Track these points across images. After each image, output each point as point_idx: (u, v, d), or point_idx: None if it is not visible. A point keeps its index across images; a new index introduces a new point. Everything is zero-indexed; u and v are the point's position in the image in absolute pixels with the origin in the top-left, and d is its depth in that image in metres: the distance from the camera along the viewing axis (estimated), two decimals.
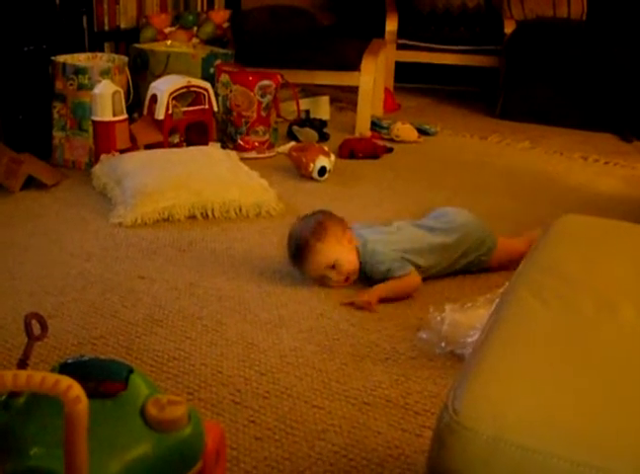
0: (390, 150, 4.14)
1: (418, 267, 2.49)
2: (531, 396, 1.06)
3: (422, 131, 4.53)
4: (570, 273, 1.45)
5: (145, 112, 3.73)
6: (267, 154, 3.96)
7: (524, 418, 1.02)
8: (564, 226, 1.72)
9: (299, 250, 2.49)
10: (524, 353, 1.18)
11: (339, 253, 2.46)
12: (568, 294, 1.35)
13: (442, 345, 2.12)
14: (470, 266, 2.63)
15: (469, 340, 2.04)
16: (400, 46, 5.43)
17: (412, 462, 1.70)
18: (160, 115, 3.59)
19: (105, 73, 3.60)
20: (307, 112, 4.59)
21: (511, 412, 1.03)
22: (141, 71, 4.18)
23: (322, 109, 4.76)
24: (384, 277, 2.47)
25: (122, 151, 3.43)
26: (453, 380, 1.13)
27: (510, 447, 0.99)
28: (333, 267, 2.47)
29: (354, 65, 4.40)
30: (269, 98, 3.91)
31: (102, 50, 4.27)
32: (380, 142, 4.22)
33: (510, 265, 2.58)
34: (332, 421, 1.82)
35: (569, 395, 1.07)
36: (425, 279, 2.52)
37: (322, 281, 2.50)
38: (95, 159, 3.47)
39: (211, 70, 4.14)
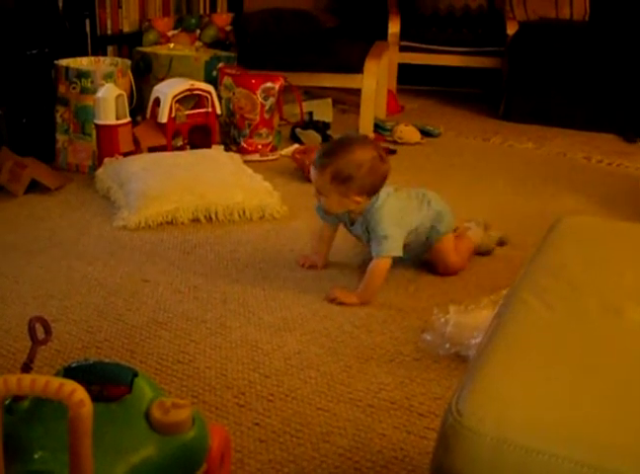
0: (393, 152, 4.14)
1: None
2: (535, 398, 1.06)
3: (425, 133, 4.53)
4: (574, 274, 1.45)
5: (148, 115, 3.73)
6: (270, 157, 3.96)
7: (529, 419, 1.02)
8: (567, 227, 1.72)
9: (324, 154, 2.45)
10: (528, 355, 1.18)
11: (332, 194, 2.44)
12: (572, 296, 1.35)
13: (447, 346, 2.12)
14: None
15: (473, 341, 2.04)
16: (403, 48, 5.44)
17: (417, 464, 1.70)
18: (163, 118, 3.59)
19: (108, 77, 3.60)
20: (310, 114, 4.59)
21: (515, 413, 1.03)
22: (144, 74, 4.19)
23: (325, 111, 4.76)
24: (371, 239, 2.47)
25: (126, 154, 3.44)
26: (458, 382, 1.13)
27: (514, 449, 0.98)
28: (319, 191, 2.47)
29: (356, 68, 4.40)
30: (272, 100, 3.92)
31: (105, 54, 4.28)
32: (383, 144, 4.21)
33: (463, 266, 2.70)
34: (336, 423, 1.82)
35: (573, 397, 1.07)
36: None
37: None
38: (98, 162, 3.47)
39: (214, 73, 4.15)
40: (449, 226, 2.64)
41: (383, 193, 2.48)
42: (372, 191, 2.44)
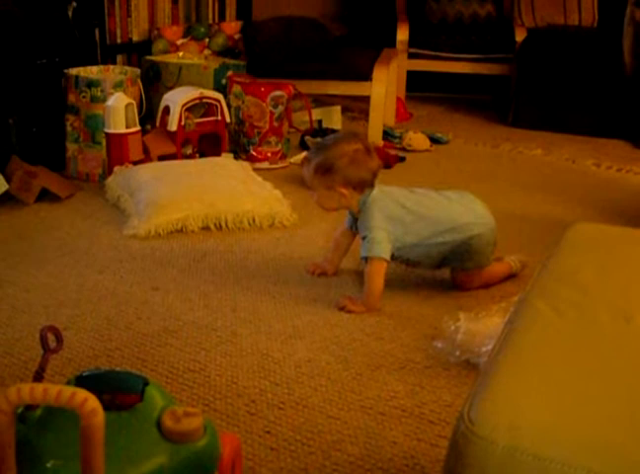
0: (403, 159, 4.15)
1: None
2: (547, 405, 1.06)
3: (434, 140, 4.53)
4: (584, 281, 1.45)
5: (158, 123, 3.74)
6: (279, 165, 3.97)
7: (540, 427, 1.01)
8: (578, 234, 1.72)
9: (311, 151, 2.58)
10: (540, 362, 1.17)
11: (319, 189, 2.49)
12: (583, 303, 1.35)
13: (457, 354, 2.12)
14: (452, 255, 2.54)
15: (484, 349, 2.04)
16: (411, 55, 5.45)
17: (428, 472, 1.70)
18: (173, 126, 3.60)
19: (117, 85, 3.61)
20: (319, 122, 4.60)
21: (526, 421, 1.02)
22: (154, 83, 4.20)
23: (334, 119, 4.77)
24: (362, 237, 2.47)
25: (136, 163, 3.45)
26: (469, 390, 1.13)
27: (526, 457, 0.98)
28: (309, 189, 2.55)
29: (365, 75, 4.41)
30: (281, 108, 3.92)
31: (114, 63, 4.30)
32: (393, 151, 4.22)
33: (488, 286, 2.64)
34: (347, 431, 1.82)
35: (585, 404, 1.07)
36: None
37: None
38: (108, 171, 3.48)
39: (223, 81, 4.16)
40: (485, 261, 2.58)
41: (378, 191, 2.48)
42: (360, 184, 2.45)
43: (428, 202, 2.53)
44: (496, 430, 1.01)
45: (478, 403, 1.07)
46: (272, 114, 3.89)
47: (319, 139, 4.15)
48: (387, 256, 2.44)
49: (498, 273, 2.67)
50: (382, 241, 2.43)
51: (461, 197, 2.58)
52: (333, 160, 2.44)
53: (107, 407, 1.13)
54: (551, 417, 1.04)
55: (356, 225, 2.55)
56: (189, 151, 3.72)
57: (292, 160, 3.98)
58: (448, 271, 2.64)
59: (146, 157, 3.53)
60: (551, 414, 1.04)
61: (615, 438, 1.00)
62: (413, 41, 5.46)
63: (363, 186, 2.46)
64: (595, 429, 1.02)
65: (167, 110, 3.65)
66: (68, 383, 1.27)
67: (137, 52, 4.48)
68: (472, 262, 2.54)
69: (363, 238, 2.46)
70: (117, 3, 4.33)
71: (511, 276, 2.72)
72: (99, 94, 3.58)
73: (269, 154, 3.95)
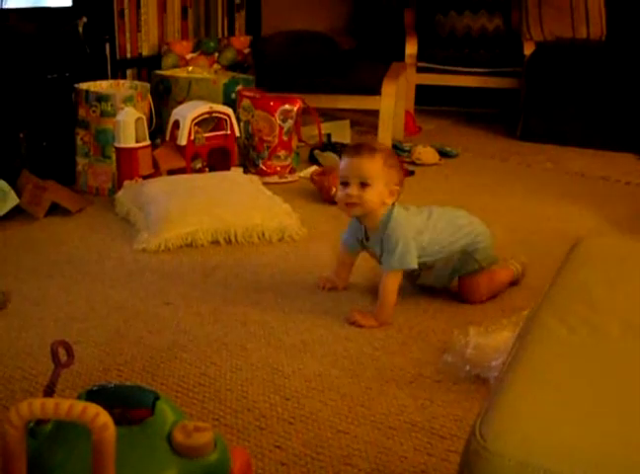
0: (412, 173, 4.15)
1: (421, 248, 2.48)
2: (559, 421, 1.06)
3: (443, 154, 4.54)
4: (595, 296, 1.45)
5: (168, 138, 3.75)
6: (289, 179, 3.98)
7: (552, 443, 1.01)
8: (588, 249, 1.72)
9: (362, 146, 2.46)
10: (551, 377, 1.17)
11: (379, 182, 2.40)
12: (593, 318, 1.35)
13: (467, 368, 2.11)
14: (465, 258, 2.57)
15: (494, 363, 2.04)
16: (420, 69, 5.46)
17: None
18: (182, 140, 3.61)
19: (127, 100, 3.62)
20: (329, 136, 4.61)
21: (538, 437, 1.02)
22: (163, 97, 4.22)
23: (343, 133, 4.78)
24: (384, 252, 2.46)
25: (145, 177, 3.46)
26: (479, 404, 1.13)
27: (537, 472, 0.98)
28: (362, 184, 2.40)
29: (374, 89, 4.42)
30: (290, 122, 3.93)
31: (124, 77, 4.32)
32: (402, 165, 4.22)
33: (493, 297, 2.65)
34: (357, 445, 1.81)
35: (596, 420, 1.06)
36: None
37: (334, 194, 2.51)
38: (118, 185, 3.49)
39: (233, 96, 4.17)
40: (489, 260, 2.60)
41: (398, 205, 2.49)
42: (399, 186, 2.47)
43: (435, 210, 2.60)
44: (507, 445, 1.01)
45: (490, 418, 1.06)
46: (281, 128, 3.91)
47: (329, 153, 4.17)
48: (415, 264, 2.45)
49: (502, 278, 2.69)
50: (413, 251, 2.44)
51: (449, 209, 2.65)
52: (396, 158, 2.45)
53: (118, 421, 1.13)
54: (563, 432, 1.03)
55: (366, 241, 2.55)
56: (198, 165, 3.72)
57: (302, 174, 3.99)
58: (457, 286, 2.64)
59: (156, 171, 3.54)
60: (563, 429, 1.04)
61: (627, 454, 1.00)
62: (421, 55, 5.47)
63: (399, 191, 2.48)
64: (606, 444, 1.01)
65: (177, 124, 3.67)
66: (79, 398, 1.28)
67: (147, 67, 4.50)
68: (477, 263, 2.57)
69: (386, 251, 2.45)
70: (127, 18, 4.36)
71: (514, 283, 2.75)
72: (109, 108, 3.59)
73: (278, 168, 3.96)
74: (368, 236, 2.53)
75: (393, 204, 2.46)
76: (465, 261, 2.57)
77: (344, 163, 2.46)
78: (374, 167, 2.39)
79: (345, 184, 2.43)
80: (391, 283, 2.45)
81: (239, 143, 3.94)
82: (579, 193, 3.95)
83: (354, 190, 2.40)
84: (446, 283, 2.65)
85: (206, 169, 3.73)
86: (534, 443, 1.01)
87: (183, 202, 3.12)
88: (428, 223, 2.53)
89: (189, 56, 4.62)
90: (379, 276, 2.60)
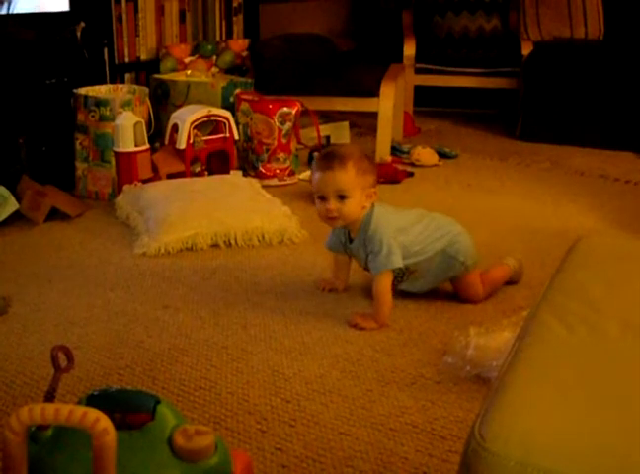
0: (411, 174, 4.15)
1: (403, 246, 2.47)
2: (558, 421, 1.06)
3: (442, 155, 4.54)
4: (594, 296, 1.45)
5: (167, 141, 3.76)
6: (288, 181, 3.98)
7: (552, 442, 1.01)
8: (587, 248, 1.72)
9: (332, 157, 2.40)
10: (550, 378, 1.17)
11: (356, 192, 2.38)
12: (592, 317, 1.35)
13: (468, 369, 2.11)
14: (448, 260, 2.56)
15: (495, 363, 2.04)
16: (418, 71, 5.46)
17: None
18: (181, 144, 3.61)
19: (126, 104, 3.63)
20: (327, 138, 4.61)
21: (538, 437, 1.02)
22: (162, 101, 4.22)
23: (342, 135, 4.79)
24: (369, 255, 2.45)
25: (145, 181, 3.46)
26: (480, 405, 1.13)
27: (537, 472, 0.98)
28: (340, 197, 2.38)
29: (373, 91, 4.42)
30: (289, 125, 3.94)
31: (123, 82, 4.31)
32: (401, 167, 4.23)
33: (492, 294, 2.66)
34: (359, 447, 1.81)
35: (596, 419, 1.06)
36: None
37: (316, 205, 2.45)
38: (118, 190, 3.49)
39: (231, 99, 4.17)
40: (473, 258, 2.59)
41: (377, 206, 2.48)
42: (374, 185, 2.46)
43: (410, 211, 2.61)
44: (507, 445, 1.01)
45: (489, 419, 1.07)
46: (280, 130, 3.91)
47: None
48: (402, 263, 2.45)
49: (498, 275, 2.69)
50: (397, 251, 2.43)
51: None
52: (368, 161, 2.44)
53: (118, 426, 1.13)
54: (562, 432, 1.03)
55: (348, 244, 2.55)
56: (197, 169, 3.73)
57: (301, 176, 3.99)
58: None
59: (155, 175, 3.54)
60: (563, 429, 1.04)
61: (628, 454, 1.00)
62: (420, 57, 5.47)
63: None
64: (606, 444, 1.01)
65: (175, 128, 3.67)
66: (79, 402, 1.27)
67: (146, 71, 4.50)
68: (466, 261, 2.56)
69: (371, 252, 2.45)
70: (124, 22, 4.36)
71: (513, 281, 2.75)
72: (108, 113, 3.60)
73: (277, 171, 3.96)
74: (352, 238, 2.53)
75: (372, 205, 2.47)
76: (449, 263, 2.55)
77: (317, 177, 2.42)
78: (348, 178, 2.37)
79: (322, 197, 2.42)
80: (383, 285, 2.45)
81: (238, 146, 3.95)
82: (578, 192, 3.95)
83: (332, 204, 2.39)
84: (431, 288, 2.63)
85: (206, 172, 3.74)
86: (534, 443, 1.01)
87: (182, 206, 3.12)
88: (406, 222, 2.52)
89: (187, 60, 4.62)
90: None
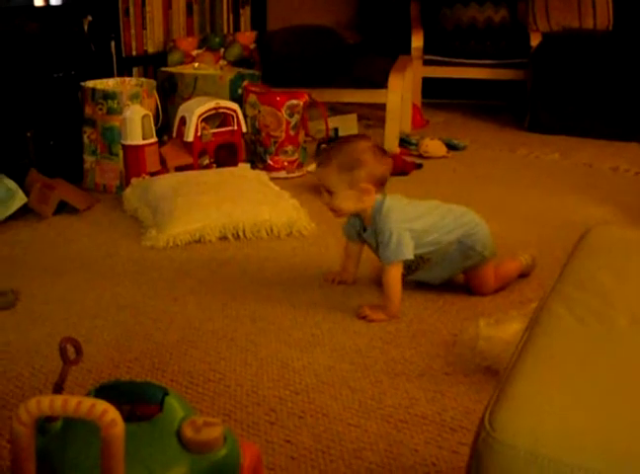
0: (420, 166, 4.14)
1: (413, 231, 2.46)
2: (569, 411, 1.05)
3: (450, 146, 4.53)
4: (604, 286, 1.44)
5: (175, 134, 3.75)
6: (296, 173, 3.97)
7: (563, 433, 1.01)
8: (597, 238, 1.71)
9: (323, 154, 2.57)
10: (560, 368, 1.17)
11: (340, 188, 2.43)
12: (602, 308, 1.34)
13: (477, 360, 2.11)
14: (466, 254, 2.56)
15: (504, 355, 2.03)
16: (426, 62, 5.45)
17: None
18: (189, 137, 3.61)
19: (134, 97, 3.62)
20: (336, 130, 4.60)
21: (548, 427, 1.02)
22: (170, 94, 4.22)
23: (350, 127, 4.77)
24: (379, 245, 2.46)
25: (153, 174, 3.46)
26: (489, 396, 1.12)
27: (548, 462, 0.97)
28: (328, 192, 2.46)
29: (381, 83, 4.41)
30: (297, 117, 3.93)
31: (130, 75, 4.32)
32: (409, 159, 4.22)
33: (503, 288, 2.64)
34: (368, 439, 1.81)
35: (606, 409, 1.06)
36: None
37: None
38: (126, 183, 3.49)
39: (239, 91, 4.17)
40: (491, 249, 2.57)
41: (390, 196, 2.48)
42: (381, 180, 2.44)
43: (425, 202, 2.59)
44: (517, 435, 1.01)
45: (499, 409, 1.06)
46: (288, 123, 3.90)
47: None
48: (412, 255, 2.44)
49: (510, 270, 2.68)
50: (407, 242, 2.42)
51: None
52: (357, 155, 2.42)
53: (127, 418, 1.13)
54: (572, 422, 1.03)
55: (363, 233, 2.55)
56: (205, 162, 3.72)
57: (309, 169, 3.98)
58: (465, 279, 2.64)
59: (163, 168, 3.54)
60: (572, 419, 1.03)
61: (637, 444, 0.99)
62: (428, 48, 5.46)
63: (383, 183, 2.45)
64: (616, 434, 1.01)
65: (183, 120, 3.67)
66: (88, 394, 1.27)
67: (153, 64, 4.50)
68: (483, 252, 2.55)
69: (381, 243, 2.45)
70: (132, 16, 4.36)
71: (523, 275, 2.73)
72: (115, 106, 3.60)
73: (285, 163, 3.96)
74: (365, 227, 2.53)
75: (384, 196, 2.46)
76: (466, 253, 2.55)
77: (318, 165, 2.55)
78: (329, 176, 2.44)
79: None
80: (392, 276, 2.44)
81: (246, 139, 3.94)
82: (587, 183, 3.94)
83: (324, 198, 2.49)
84: (445, 278, 2.63)
85: (214, 165, 3.73)
86: (544, 433, 1.00)
87: (191, 199, 3.12)
88: (421, 212, 2.52)
89: (194, 53, 4.62)
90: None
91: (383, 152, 2.49)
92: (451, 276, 2.63)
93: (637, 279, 1.50)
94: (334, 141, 4.18)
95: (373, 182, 2.42)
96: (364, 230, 2.54)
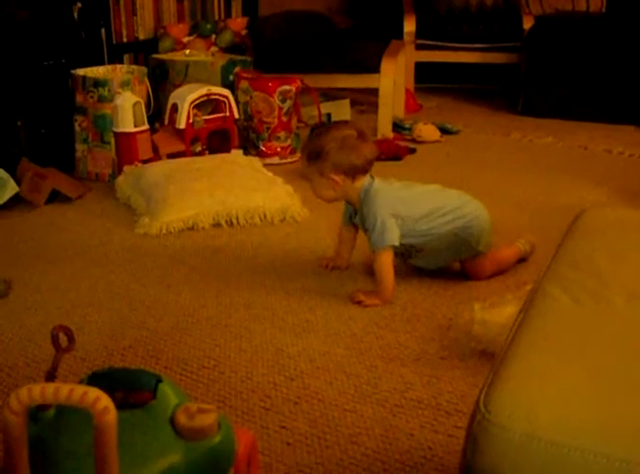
0: (413, 151, 4.13)
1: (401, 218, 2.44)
2: (564, 392, 1.04)
3: (444, 131, 4.52)
4: (599, 266, 1.43)
5: (166, 121, 3.74)
6: (289, 159, 3.96)
7: (558, 414, 1.00)
8: (591, 219, 1.70)
9: (309, 139, 2.68)
10: (556, 349, 1.16)
11: (314, 176, 2.49)
12: (597, 288, 1.33)
13: (473, 344, 2.11)
14: (461, 243, 2.53)
15: (499, 338, 2.02)
16: (419, 47, 5.42)
17: (446, 464, 1.69)
18: (181, 124, 3.59)
19: (125, 85, 3.61)
20: (328, 115, 4.59)
21: (543, 409, 1.01)
22: (161, 81, 4.20)
23: (343, 112, 4.76)
24: (367, 230, 2.46)
25: (145, 162, 3.44)
26: (485, 379, 1.11)
27: (544, 444, 0.97)
28: (307, 179, 2.56)
29: (373, 67, 4.39)
30: (289, 103, 3.91)
31: (121, 62, 4.30)
32: (403, 143, 4.21)
33: (499, 274, 2.63)
34: (364, 424, 1.81)
35: (602, 390, 1.05)
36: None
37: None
38: (118, 170, 3.48)
39: (231, 78, 4.15)
40: (487, 244, 2.56)
41: (379, 181, 2.47)
42: (350, 170, 2.43)
43: (424, 187, 2.58)
44: (512, 418, 1.00)
45: (494, 392, 1.05)
46: (280, 108, 3.89)
47: None
48: (397, 242, 2.43)
49: (508, 257, 2.67)
50: (392, 228, 2.41)
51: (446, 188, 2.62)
52: (322, 146, 2.43)
53: (120, 405, 1.12)
54: (568, 404, 1.02)
55: (355, 217, 2.54)
56: (198, 148, 3.71)
57: None
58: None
59: (155, 155, 3.52)
60: (568, 401, 1.03)
61: (634, 424, 0.99)
62: (420, 33, 5.43)
63: (355, 172, 2.44)
64: (612, 415, 1.00)
65: (175, 107, 3.65)
66: (81, 382, 1.27)
67: (144, 51, 4.48)
68: (477, 247, 2.53)
69: (368, 229, 2.44)
70: (122, 2, 4.33)
71: (522, 260, 2.72)
72: (106, 93, 3.58)
73: (278, 149, 3.94)
74: (357, 211, 2.53)
75: (372, 180, 2.46)
76: (461, 245, 2.53)
77: None
78: (303, 165, 2.55)
79: None
80: (382, 261, 2.43)
81: (238, 125, 3.92)
82: (582, 166, 3.94)
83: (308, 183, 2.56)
84: (441, 266, 2.62)
85: (206, 152, 3.72)
86: (539, 415, 1.00)
87: (183, 186, 3.10)
88: (415, 197, 2.52)
89: (185, 39, 4.59)
90: None
91: (362, 139, 2.45)
92: (448, 264, 2.62)
93: (632, 260, 1.49)
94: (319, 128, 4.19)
95: (341, 172, 2.43)
96: (355, 214, 2.53)
